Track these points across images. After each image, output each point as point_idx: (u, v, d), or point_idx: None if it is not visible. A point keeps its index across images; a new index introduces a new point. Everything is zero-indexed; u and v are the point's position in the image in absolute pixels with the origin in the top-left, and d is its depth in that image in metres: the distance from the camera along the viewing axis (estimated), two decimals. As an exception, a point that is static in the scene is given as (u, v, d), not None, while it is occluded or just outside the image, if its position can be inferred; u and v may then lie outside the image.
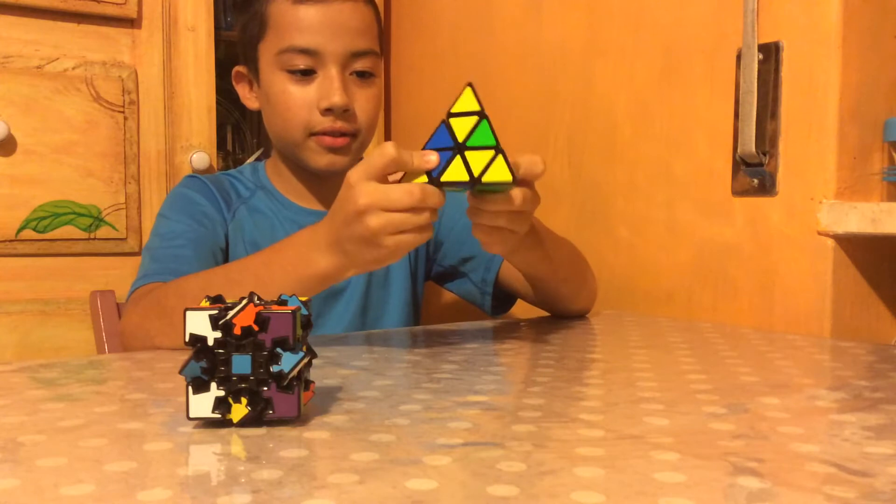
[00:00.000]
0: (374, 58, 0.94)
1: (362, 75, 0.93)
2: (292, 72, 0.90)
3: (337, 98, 0.89)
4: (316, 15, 0.89)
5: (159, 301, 0.77)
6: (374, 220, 0.64)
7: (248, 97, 0.99)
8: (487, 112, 0.64)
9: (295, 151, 0.94)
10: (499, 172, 0.64)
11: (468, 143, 0.64)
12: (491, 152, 0.64)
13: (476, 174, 0.64)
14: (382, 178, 0.65)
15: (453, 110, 0.65)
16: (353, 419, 0.48)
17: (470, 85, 0.65)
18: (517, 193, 0.68)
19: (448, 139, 0.64)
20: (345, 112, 0.91)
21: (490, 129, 0.64)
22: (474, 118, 0.64)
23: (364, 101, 0.93)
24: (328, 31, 0.90)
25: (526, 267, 0.87)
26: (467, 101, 0.65)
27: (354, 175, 0.65)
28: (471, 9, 1.37)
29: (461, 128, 0.64)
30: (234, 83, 1.00)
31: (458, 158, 0.64)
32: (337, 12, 0.90)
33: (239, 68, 0.98)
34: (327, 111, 0.90)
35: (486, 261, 0.98)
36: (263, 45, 0.92)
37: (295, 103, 0.91)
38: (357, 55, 0.91)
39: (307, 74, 0.91)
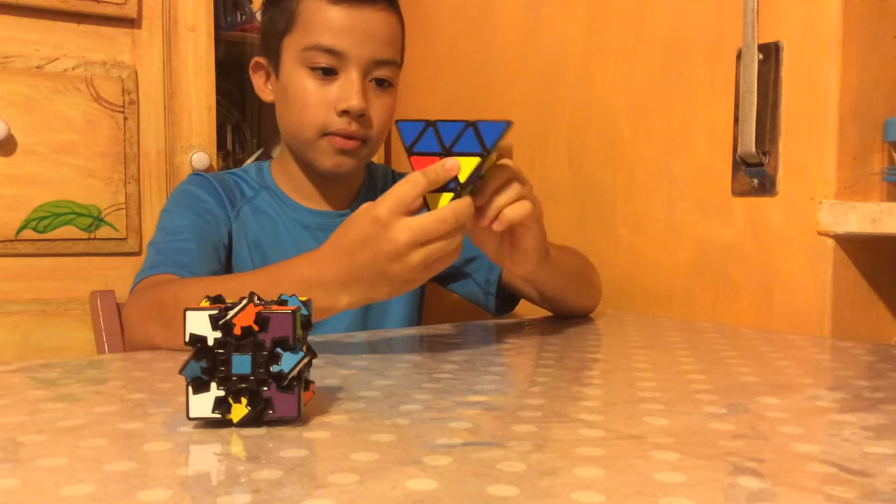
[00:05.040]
0: (395, 68, 0.95)
1: (381, 83, 0.94)
2: (314, 69, 0.91)
3: (355, 101, 0.90)
4: (347, 18, 0.90)
5: (159, 302, 0.76)
6: (416, 258, 0.63)
7: (263, 89, 0.99)
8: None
9: (304, 149, 0.95)
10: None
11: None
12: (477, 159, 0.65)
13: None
14: (410, 211, 0.63)
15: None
16: (353, 419, 0.48)
17: (510, 123, 0.65)
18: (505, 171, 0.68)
19: (475, 143, 0.64)
20: (360, 117, 0.91)
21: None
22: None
23: (380, 108, 0.94)
24: (356, 36, 0.90)
25: (536, 285, 0.91)
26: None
27: (385, 212, 0.62)
28: (471, 10, 1.37)
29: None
30: (250, 73, 1.00)
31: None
32: (367, 19, 0.91)
33: (258, 59, 0.99)
34: (344, 113, 0.91)
35: (489, 261, 0.98)
36: (288, 40, 0.93)
37: (312, 101, 0.91)
38: (379, 63, 0.92)
39: (328, 74, 0.91)
